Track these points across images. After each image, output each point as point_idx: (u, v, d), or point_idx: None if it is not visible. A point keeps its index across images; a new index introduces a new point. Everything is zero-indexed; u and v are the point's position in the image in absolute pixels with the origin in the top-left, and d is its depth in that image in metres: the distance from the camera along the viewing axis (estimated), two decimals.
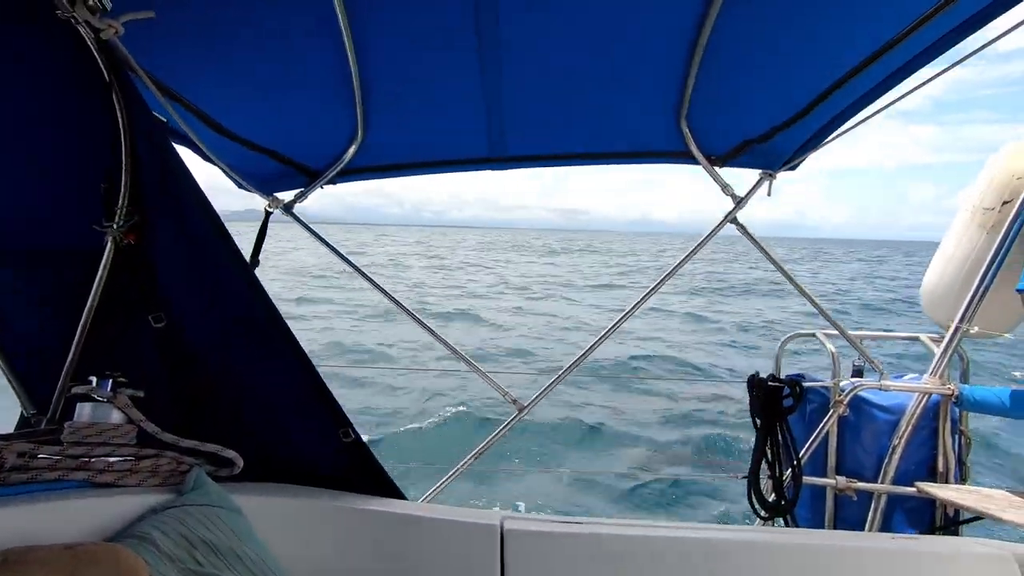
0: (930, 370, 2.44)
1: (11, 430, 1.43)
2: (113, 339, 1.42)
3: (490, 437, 2.36)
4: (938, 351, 2.45)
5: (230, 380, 1.49)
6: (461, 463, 2.39)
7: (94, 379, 1.26)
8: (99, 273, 1.37)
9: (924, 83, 1.62)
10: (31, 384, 1.49)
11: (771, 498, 2.39)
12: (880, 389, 2.43)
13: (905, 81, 1.69)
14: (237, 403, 1.50)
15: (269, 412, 1.53)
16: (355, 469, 1.58)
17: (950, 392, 2.35)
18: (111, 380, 1.28)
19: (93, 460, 1.24)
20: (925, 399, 2.37)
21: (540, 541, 1.44)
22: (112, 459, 1.26)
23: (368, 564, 1.44)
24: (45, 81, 1.30)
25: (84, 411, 1.27)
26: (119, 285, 1.39)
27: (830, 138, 2.02)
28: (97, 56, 1.23)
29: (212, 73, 1.67)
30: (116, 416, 1.28)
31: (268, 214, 2.19)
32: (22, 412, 1.51)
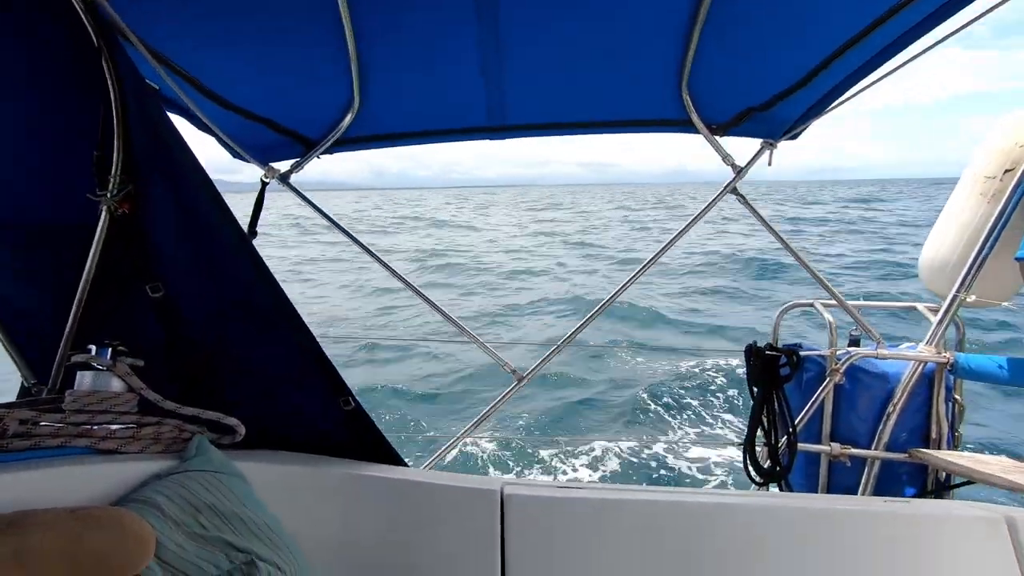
0: (926, 338, 2.46)
1: (12, 399, 1.44)
2: (111, 308, 1.42)
3: (489, 406, 2.38)
4: (935, 320, 2.46)
5: (229, 350, 1.49)
6: (461, 431, 2.42)
7: (93, 347, 1.26)
8: (94, 243, 1.35)
9: (932, 46, 1.59)
10: (30, 354, 1.49)
11: (766, 465, 2.43)
12: (876, 358, 2.44)
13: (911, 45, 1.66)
14: (236, 373, 1.50)
15: (269, 383, 1.53)
16: (355, 437, 1.59)
17: (945, 360, 2.36)
18: (110, 348, 1.28)
19: (95, 427, 1.25)
20: (921, 367, 2.39)
21: (540, 506, 1.46)
22: (114, 426, 1.27)
23: (369, 529, 1.46)
24: (37, 52, 1.26)
25: (85, 380, 1.27)
26: (115, 255, 1.38)
27: (833, 106, 1.99)
28: (85, 19, 1.20)
29: (204, 40, 1.63)
30: (116, 384, 1.28)
31: (264, 184, 2.17)
32: (22, 382, 1.51)
